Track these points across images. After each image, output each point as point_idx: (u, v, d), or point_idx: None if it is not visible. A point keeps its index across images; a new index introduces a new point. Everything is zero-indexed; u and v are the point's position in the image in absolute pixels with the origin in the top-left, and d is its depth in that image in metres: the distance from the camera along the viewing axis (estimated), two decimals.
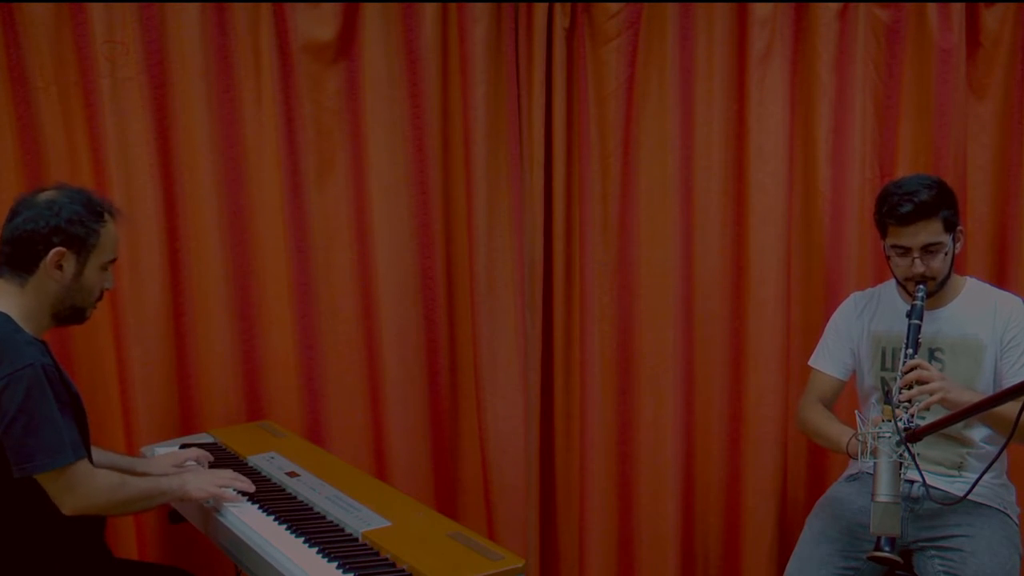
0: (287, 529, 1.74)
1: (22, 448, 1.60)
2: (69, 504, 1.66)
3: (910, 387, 1.86)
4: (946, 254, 1.98)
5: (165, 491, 1.82)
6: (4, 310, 1.69)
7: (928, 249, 1.96)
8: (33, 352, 1.63)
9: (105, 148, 2.28)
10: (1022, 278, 2.59)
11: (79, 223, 1.71)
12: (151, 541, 2.43)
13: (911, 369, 1.88)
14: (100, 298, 1.82)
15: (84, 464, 1.68)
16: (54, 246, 1.69)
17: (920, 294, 1.96)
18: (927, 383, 1.85)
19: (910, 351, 1.92)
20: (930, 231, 1.95)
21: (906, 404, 1.83)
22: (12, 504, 1.67)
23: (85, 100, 2.28)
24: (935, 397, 1.83)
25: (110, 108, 2.27)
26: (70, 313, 1.78)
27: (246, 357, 2.48)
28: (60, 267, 1.71)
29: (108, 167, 2.29)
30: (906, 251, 1.98)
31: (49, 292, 1.72)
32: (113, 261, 1.80)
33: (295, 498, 1.91)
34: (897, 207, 1.95)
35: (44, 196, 1.73)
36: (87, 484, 1.67)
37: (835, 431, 2.05)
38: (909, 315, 1.96)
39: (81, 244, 1.72)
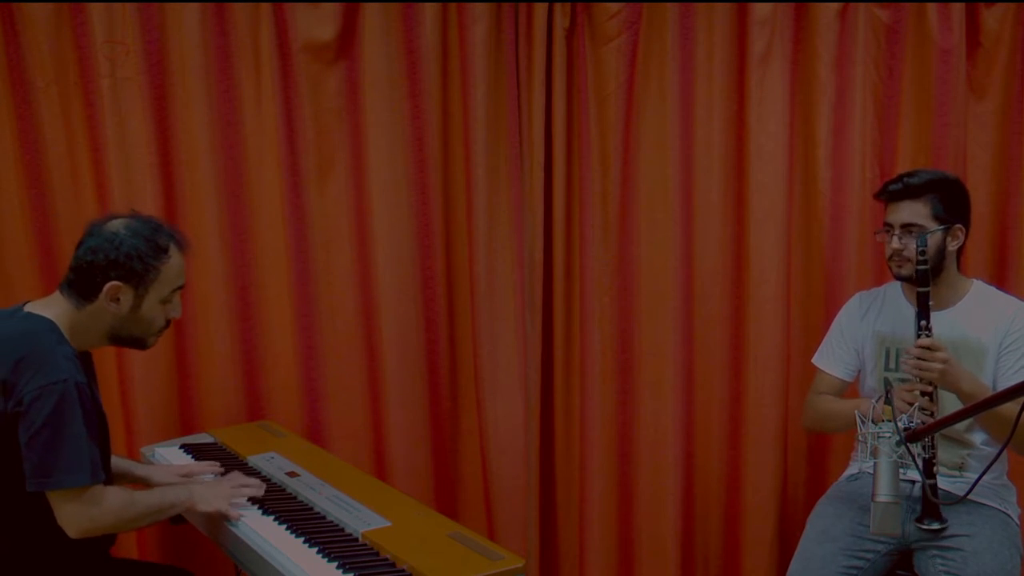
0: (287, 529, 1.74)
1: (42, 462, 1.59)
2: (75, 525, 1.64)
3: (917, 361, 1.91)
4: (926, 238, 1.97)
5: (174, 504, 1.80)
6: (55, 319, 1.69)
7: (907, 228, 2.00)
8: (69, 367, 1.62)
9: (105, 148, 2.28)
10: (1022, 278, 2.59)
11: (138, 259, 1.69)
12: (151, 541, 2.43)
13: (924, 347, 1.92)
14: (166, 326, 1.81)
15: (99, 488, 1.66)
16: (110, 279, 1.68)
17: (922, 257, 1.94)
18: (936, 351, 1.90)
19: (923, 322, 1.95)
20: (912, 211, 2.00)
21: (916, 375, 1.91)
22: (11, 505, 1.67)
23: (85, 100, 2.28)
24: (932, 376, 1.89)
25: (110, 108, 2.27)
26: (129, 341, 1.78)
27: (246, 357, 2.48)
28: (116, 300, 1.71)
29: (108, 167, 2.29)
30: (889, 227, 2.04)
31: (105, 321, 1.72)
32: (179, 288, 1.79)
33: (295, 498, 1.91)
34: (889, 184, 2.05)
35: (111, 225, 1.72)
36: (96, 506, 1.65)
37: (846, 405, 2.10)
38: (916, 282, 1.96)
39: (139, 280, 1.71)
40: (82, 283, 1.70)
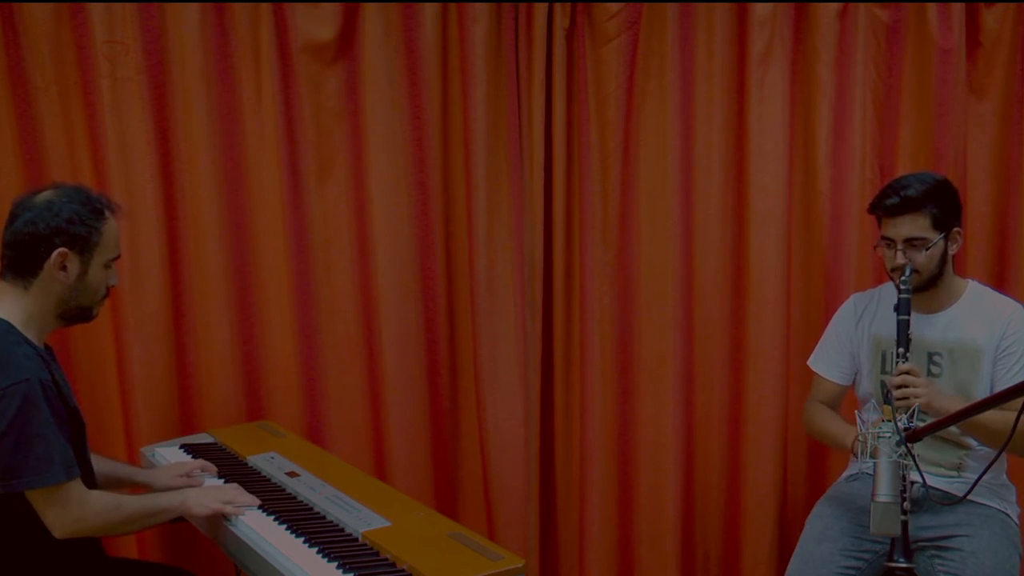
0: (287, 529, 1.74)
1: (10, 464, 1.58)
2: (60, 526, 1.63)
3: (900, 388, 1.87)
4: (928, 250, 1.97)
5: (166, 508, 1.79)
6: (6, 317, 1.67)
7: (911, 243, 1.98)
8: (31, 366, 1.61)
9: (105, 148, 2.28)
10: (1022, 278, 2.59)
11: (80, 222, 1.69)
12: (151, 541, 2.43)
13: (901, 373, 1.89)
14: (106, 295, 1.80)
15: (76, 485, 1.65)
16: (56, 247, 1.67)
17: (904, 286, 1.96)
18: (914, 387, 1.86)
19: (901, 350, 1.92)
20: (915, 225, 1.97)
21: (899, 401, 1.84)
22: (8, 505, 1.66)
23: (85, 100, 2.28)
24: (920, 400, 1.84)
25: (110, 108, 2.27)
26: (77, 313, 1.76)
27: (246, 357, 2.48)
28: (64, 268, 1.69)
29: (108, 167, 2.29)
30: (891, 243, 2.01)
31: (54, 293, 1.71)
32: (116, 258, 1.79)
33: (295, 498, 1.91)
34: (885, 198, 2.00)
35: (42, 197, 1.71)
36: (79, 506, 1.64)
37: (839, 430, 2.07)
38: (897, 309, 1.96)
39: (84, 243, 1.70)
40: (26, 258, 1.68)
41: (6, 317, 1.67)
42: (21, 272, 1.69)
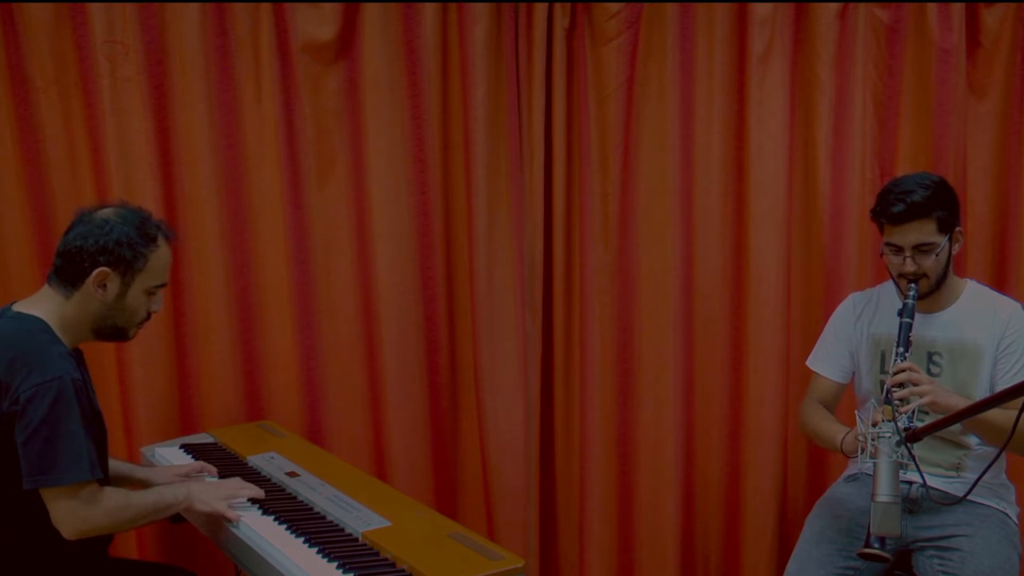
0: (287, 529, 1.74)
1: (41, 459, 1.59)
2: (70, 526, 1.64)
3: (901, 387, 1.86)
4: (938, 254, 1.97)
5: (171, 504, 1.80)
6: (44, 317, 1.70)
7: (920, 249, 1.96)
8: (64, 365, 1.63)
9: (105, 148, 2.28)
10: (1022, 278, 2.59)
11: (127, 245, 1.71)
12: (151, 541, 2.43)
13: (900, 371, 1.87)
14: (147, 319, 1.81)
15: (95, 486, 1.66)
16: (99, 265, 1.70)
17: (912, 292, 1.96)
18: (917, 385, 1.85)
19: (900, 349, 1.92)
20: (922, 231, 1.95)
21: (898, 403, 1.82)
22: (9, 504, 1.67)
23: (85, 100, 2.28)
24: (924, 400, 1.83)
25: (110, 108, 2.27)
26: (111, 331, 1.78)
27: (246, 357, 2.48)
28: (104, 287, 1.71)
29: (108, 167, 2.29)
30: (899, 249, 1.99)
31: (91, 309, 1.73)
32: (162, 285, 1.80)
33: (295, 498, 1.91)
34: (890, 206, 1.96)
35: (101, 213, 1.74)
36: (92, 506, 1.65)
37: (831, 430, 2.06)
38: (900, 313, 1.95)
39: (127, 266, 1.72)
40: (70, 269, 1.71)
41: (45, 318, 1.70)
42: (64, 281, 1.72)
